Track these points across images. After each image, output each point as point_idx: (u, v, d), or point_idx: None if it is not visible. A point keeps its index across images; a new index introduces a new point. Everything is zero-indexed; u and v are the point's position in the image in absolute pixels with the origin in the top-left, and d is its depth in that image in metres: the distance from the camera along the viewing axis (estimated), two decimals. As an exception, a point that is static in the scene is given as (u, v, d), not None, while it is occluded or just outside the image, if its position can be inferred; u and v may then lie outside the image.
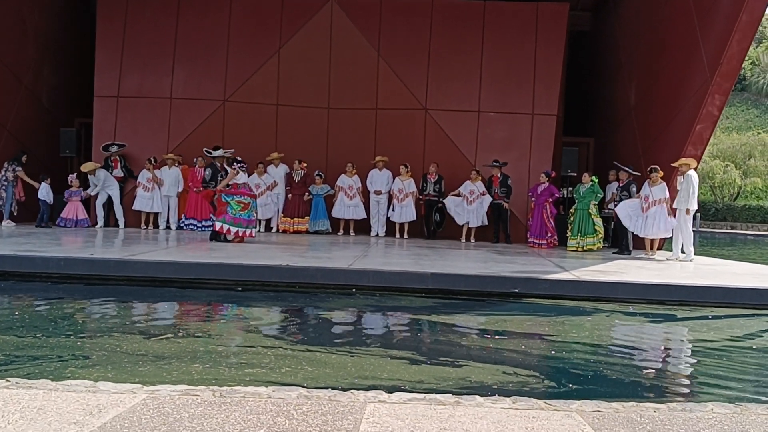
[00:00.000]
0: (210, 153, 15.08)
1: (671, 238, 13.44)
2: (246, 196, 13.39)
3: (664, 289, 9.36)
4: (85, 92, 17.12)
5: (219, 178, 14.38)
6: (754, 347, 7.11)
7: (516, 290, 9.31)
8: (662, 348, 7.28)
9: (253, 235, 13.60)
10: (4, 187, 15.63)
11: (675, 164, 12.97)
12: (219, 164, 14.98)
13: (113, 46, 16.71)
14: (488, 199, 15.62)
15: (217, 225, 13.21)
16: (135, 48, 16.73)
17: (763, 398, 5.22)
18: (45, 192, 15.32)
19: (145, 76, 16.79)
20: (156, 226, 16.16)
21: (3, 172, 15.58)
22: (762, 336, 7.72)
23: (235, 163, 13.47)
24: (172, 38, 16.79)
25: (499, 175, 15.56)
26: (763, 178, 41.48)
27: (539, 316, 8.42)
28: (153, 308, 8.37)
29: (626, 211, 13.42)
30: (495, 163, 15.60)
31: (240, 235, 13.15)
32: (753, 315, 8.79)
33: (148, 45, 16.75)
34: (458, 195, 15.74)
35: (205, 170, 15.49)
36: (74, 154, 16.62)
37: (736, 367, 6.25)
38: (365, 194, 16.37)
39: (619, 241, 14.09)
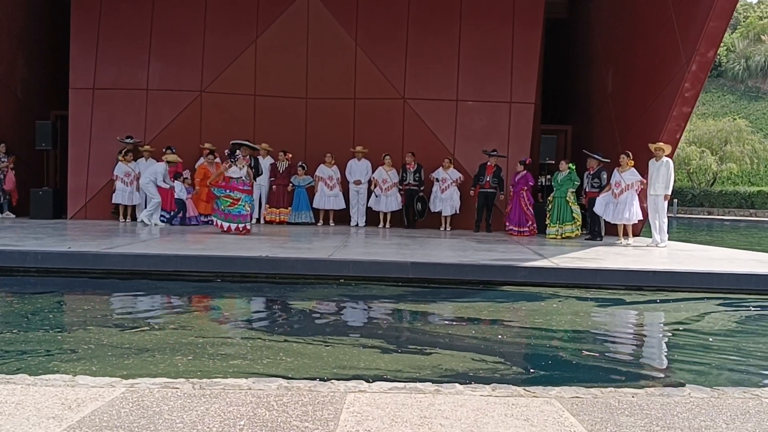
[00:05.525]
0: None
1: (648, 224, 13.57)
2: (236, 191, 13.31)
3: (642, 275, 9.46)
4: (61, 84, 16.91)
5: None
6: (683, 329, 7.24)
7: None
8: (623, 331, 7.39)
9: (248, 228, 13.44)
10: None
11: (651, 146, 13.01)
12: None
13: (88, 38, 16.50)
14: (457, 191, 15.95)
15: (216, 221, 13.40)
16: (110, 39, 16.54)
17: (721, 371, 5.29)
18: (180, 190, 15.24)
19: (121, 67, 16.62)
20: (134, 218, 16.03)
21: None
22: (702, 318, 7.85)
23: (229, 156, 13.35)
24: (147, 29, 16.61)
25: (494, 165, 15.58)
26: (738, 164, 41.92)
27: (510, 302, 8.49)
28: (133, 301, 8.31)
29: (602, 204, 13.54)
30: (493, 152, 15.61)
31: (229, 230, 13.18)
32: (702, 298, 8.92)
33: (124, 36, 16.56)
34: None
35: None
36: (50, 147, 16.42)
37: (690, 349, 6.36)
38: (344, 184, 16.38)
39: (591, 227, 14.21)
